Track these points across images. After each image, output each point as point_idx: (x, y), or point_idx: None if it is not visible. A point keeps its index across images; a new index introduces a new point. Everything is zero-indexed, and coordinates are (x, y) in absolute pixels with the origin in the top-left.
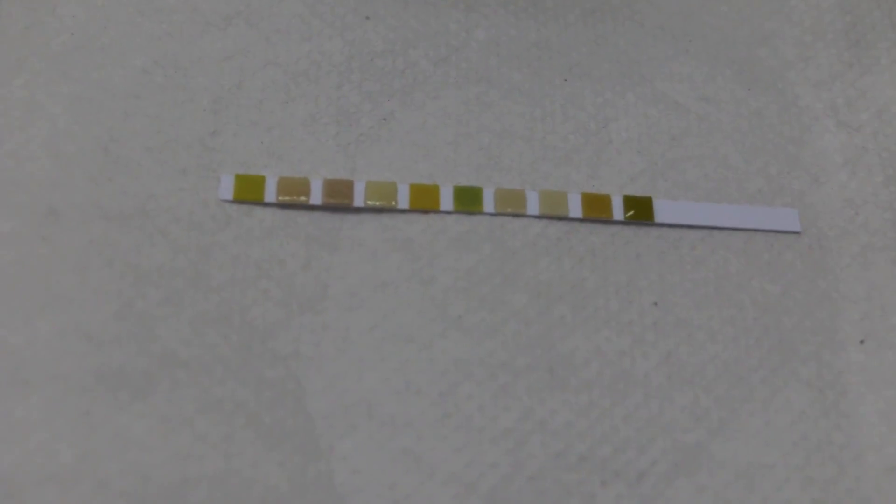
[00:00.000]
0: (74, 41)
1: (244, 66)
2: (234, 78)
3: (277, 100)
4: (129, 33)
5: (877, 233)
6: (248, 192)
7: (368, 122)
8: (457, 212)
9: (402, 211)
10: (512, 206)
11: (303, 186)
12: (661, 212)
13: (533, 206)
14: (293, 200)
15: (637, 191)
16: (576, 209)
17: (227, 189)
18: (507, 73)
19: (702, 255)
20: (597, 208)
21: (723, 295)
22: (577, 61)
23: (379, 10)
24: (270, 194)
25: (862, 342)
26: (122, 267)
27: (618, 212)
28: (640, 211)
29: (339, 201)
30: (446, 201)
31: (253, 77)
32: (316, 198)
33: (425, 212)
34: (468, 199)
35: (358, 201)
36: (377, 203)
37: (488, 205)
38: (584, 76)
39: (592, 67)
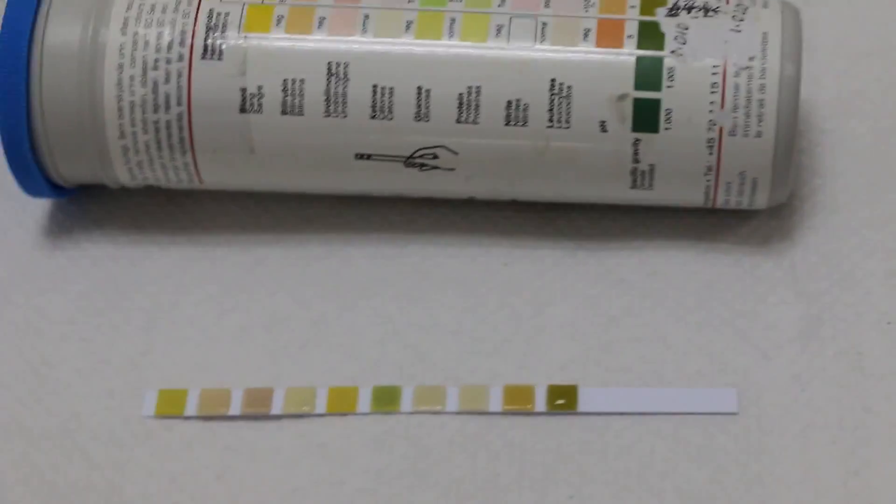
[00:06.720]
0: None
1: None
2: None
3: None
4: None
5: (819, 411)
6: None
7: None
8: (374, 412)
9: (320, 415)
10: (430, 403)
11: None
12: (587, 400)
13: (452, 402)
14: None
15: (566, 379)
16: (496, 402)
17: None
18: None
19: (627, 443)
20: (518, 400)
21: (644, 484)
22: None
23: None
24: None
25: None
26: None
27: (540, 403)
28: (567, 400)
29: (257, 410)
30: (364, 403)
31: None
32: (235, 409)
33: (343, 415)
34: (386, 399)
35: (276, 409)
36: (294, 410)
37: (406, 403)
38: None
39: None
